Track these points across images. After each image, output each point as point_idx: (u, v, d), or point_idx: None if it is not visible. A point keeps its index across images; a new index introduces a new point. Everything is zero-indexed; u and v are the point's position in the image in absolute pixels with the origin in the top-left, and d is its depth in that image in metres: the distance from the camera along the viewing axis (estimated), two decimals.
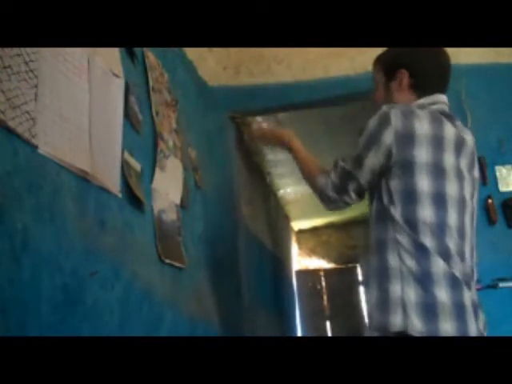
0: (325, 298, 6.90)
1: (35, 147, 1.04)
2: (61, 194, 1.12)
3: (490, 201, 2.42)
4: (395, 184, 1.34)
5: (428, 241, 1.30)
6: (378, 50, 1.55)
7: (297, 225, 7.09)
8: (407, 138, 1.32)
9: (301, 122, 3.56)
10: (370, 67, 1.58)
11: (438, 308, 1.26)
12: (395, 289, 1.28)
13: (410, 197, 1.32)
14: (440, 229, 1.31)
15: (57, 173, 1.12)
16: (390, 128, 1.33)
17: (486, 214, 2.40)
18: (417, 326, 1.23)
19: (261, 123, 1.94)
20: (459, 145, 1.37)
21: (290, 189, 5.28)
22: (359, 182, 1.43)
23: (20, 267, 0.96)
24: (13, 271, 0.94)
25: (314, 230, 7.29)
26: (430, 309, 1.25)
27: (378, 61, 1.56)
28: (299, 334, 6.32)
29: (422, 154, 1.32)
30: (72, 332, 1.10)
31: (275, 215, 5.26)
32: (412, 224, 1.31)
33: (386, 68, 1.50)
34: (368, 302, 1.37)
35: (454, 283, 1.29)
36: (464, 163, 1.38)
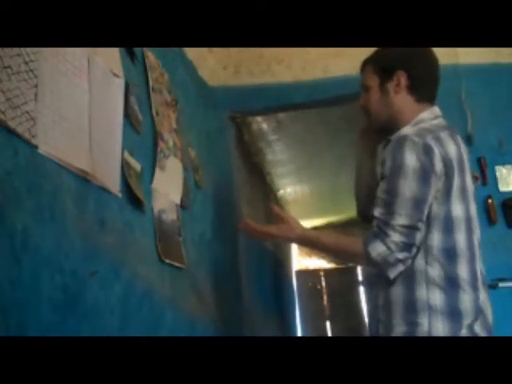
0: (325, 298, 6.90)
1: (35, 147, 1.04)
2: (61, 194, 1.12)
3: (490, 201, 2.42)
4: (436, 210, 1.29)
5: (464, 271, 1.27)
6: None
7: None
8: (449, 163, 1.30)
9: (301, 122, 3.57)
10: None
11: None
12: (423, 322, 1.25)
13: (449, 223, 1.29)
14: (471, 253, 1.30)
15: (57, 173, 1.12)
16: (436, 156, 1.28)
17: (486, 213, 2.39)
18: None
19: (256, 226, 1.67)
20: (467, 162, 1.37)
21: (290, 189, 5.28)
22: (423, 224, 1.29)
23: (20, 267, 0.96)
24: (13, 271, 0.94)
25: (314, 230, 7.27)
26: None
27: (370, 62, 1.49)
28: (299, 334, 6.32)
29: (456, 178, 1.30)
30: (72, 332, 1.10)
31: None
32: (450, 253, 1.28)
33: (382, 69, 1.44)
34: (388, 329, 1.30)
35: (483, 317, 1.28)
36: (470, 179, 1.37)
